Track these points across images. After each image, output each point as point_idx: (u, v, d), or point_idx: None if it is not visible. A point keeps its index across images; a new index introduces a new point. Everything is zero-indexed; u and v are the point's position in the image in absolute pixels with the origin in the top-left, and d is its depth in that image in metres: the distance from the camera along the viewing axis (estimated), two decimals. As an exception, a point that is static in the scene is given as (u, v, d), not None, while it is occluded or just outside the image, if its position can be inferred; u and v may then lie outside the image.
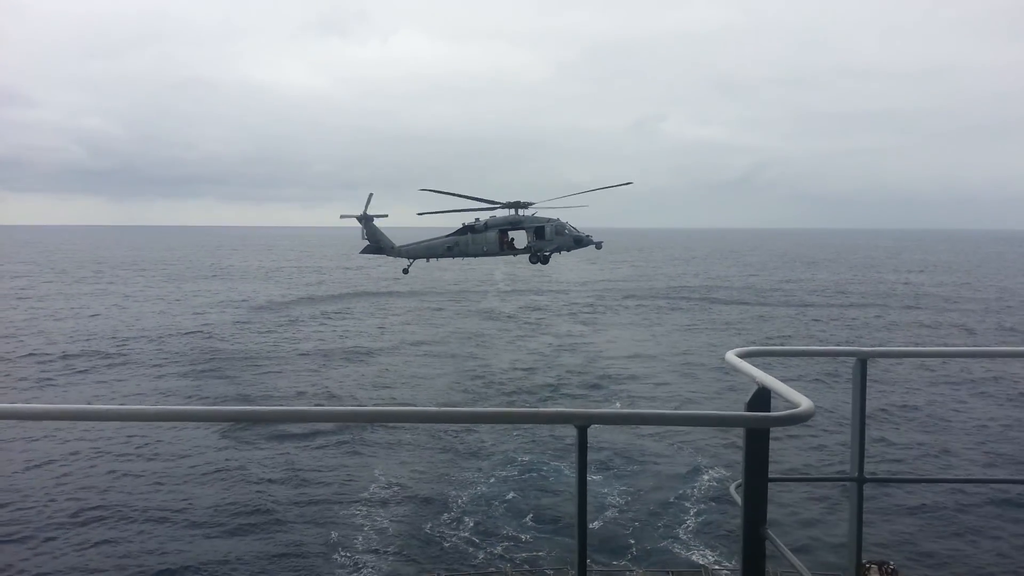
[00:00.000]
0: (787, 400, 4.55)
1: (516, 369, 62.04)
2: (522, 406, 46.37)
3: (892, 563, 20.41)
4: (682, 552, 28.18)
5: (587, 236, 48.04)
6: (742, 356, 5.68)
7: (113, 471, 36.38)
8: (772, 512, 4.95)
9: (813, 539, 29.14)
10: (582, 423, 4.07)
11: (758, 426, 4.86)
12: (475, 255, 49.11)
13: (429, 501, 33.59)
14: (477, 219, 48.43)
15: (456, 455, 39.48)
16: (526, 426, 39.84)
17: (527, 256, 48.78)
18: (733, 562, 25.94)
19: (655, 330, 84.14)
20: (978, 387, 52.37)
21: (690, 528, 30.70)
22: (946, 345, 66.87)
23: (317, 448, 40.07)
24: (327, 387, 54.58)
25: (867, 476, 5.71)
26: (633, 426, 39.02)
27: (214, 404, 47.13)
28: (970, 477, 37.84)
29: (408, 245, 49.56)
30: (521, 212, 48.13)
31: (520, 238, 48.85)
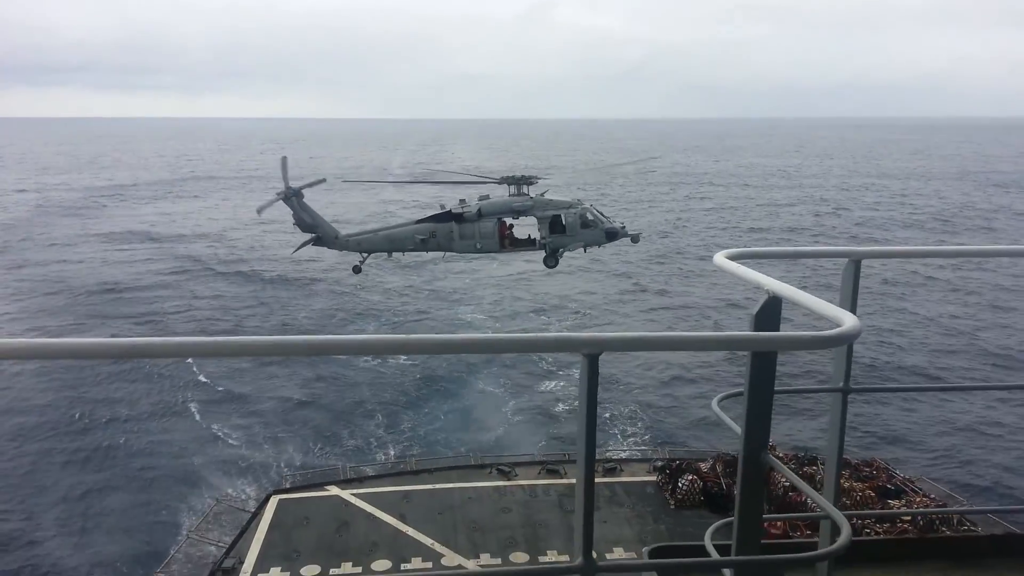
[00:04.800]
0: (818, 314, 3.73)
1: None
2: (524, 332, 45.88)
3: (883, 459, 21.82)
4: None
5: (621, 226, 34.55)
6: (733, 259, 4.77)
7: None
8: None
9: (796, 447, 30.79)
10: (592, 351, 3.44)
11: (787, 348, 3.78)
12: (462, 251, 34.92)
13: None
14: (463, 200, 34.60)
15: (449, 384, 40.44)
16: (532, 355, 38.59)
17: (538, 254, 35.14)
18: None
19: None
20: (972, 288, 52.58)
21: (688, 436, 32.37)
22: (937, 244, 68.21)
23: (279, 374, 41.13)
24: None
25: (852, 386, 5.21)
26: (644, 352, 39.36)
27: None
28: (957, 385, 36.87)
29: (360, 235, 35.57)
30: (526, 191, 34.42)
31: (525, 229, 35.47)
